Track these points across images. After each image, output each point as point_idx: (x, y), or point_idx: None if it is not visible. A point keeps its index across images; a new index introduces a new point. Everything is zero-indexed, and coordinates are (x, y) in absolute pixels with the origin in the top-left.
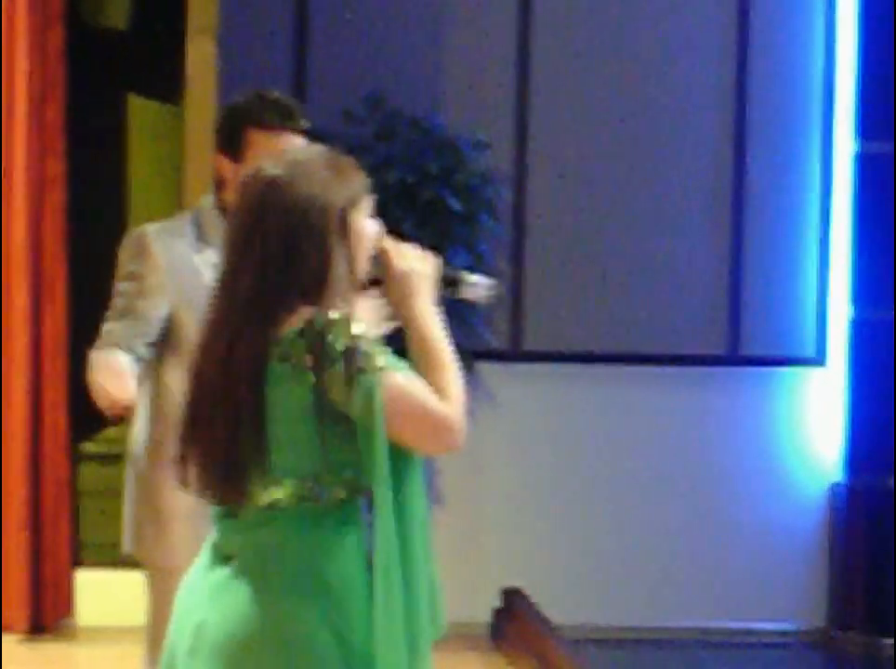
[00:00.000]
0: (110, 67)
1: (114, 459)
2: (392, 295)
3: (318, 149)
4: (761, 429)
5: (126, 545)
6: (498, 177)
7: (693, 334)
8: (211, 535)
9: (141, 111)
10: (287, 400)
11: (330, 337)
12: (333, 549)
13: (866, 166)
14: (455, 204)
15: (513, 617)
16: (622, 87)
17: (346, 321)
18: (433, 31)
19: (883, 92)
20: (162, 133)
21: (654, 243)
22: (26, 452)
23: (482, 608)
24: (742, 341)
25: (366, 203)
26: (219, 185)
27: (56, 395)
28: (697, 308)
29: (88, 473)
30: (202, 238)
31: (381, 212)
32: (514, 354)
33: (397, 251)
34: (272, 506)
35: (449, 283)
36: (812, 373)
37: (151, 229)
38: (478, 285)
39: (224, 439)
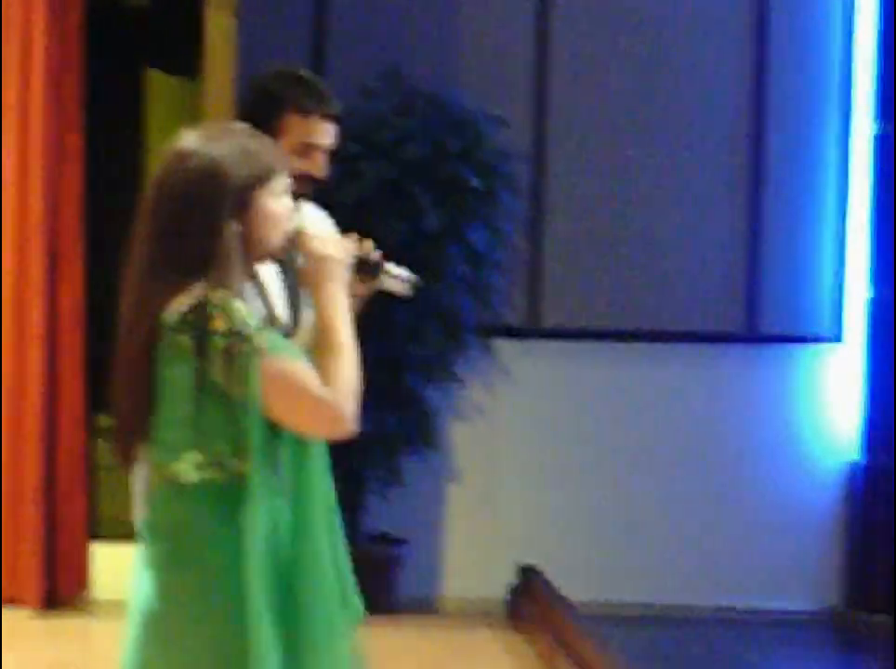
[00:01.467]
0: (129, 42)
1: None
2: (306, 277)
3: (237, 126)
4: (779, 407)
5: (138, 520)
6: (517, 154)
7: (711, 312)
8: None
9: (160, 86)
10: (174, 377)
11: (211, 318)
12: (229, 525)
13: (884, 146)
14: (474, 181)
15: (529, 594)
16: (641, 65)
17: (228, 302)
18: (452, 7)
19: None
20: (180, 107)
21: (673, 221)
22: (42, 426)
23: (499, 585)
24: (760, 318)
25: (278, 184)
26: None
27: (71, 368)
28: (715, 286)
29: (104, 447)
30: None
31: (399, 187)
32: (532, 331)
33: (314, 234)
34: (174, 480)
35: (368, 272)
36: (830, 351)
37: None
38: (398, 277)
39: (120, 406)
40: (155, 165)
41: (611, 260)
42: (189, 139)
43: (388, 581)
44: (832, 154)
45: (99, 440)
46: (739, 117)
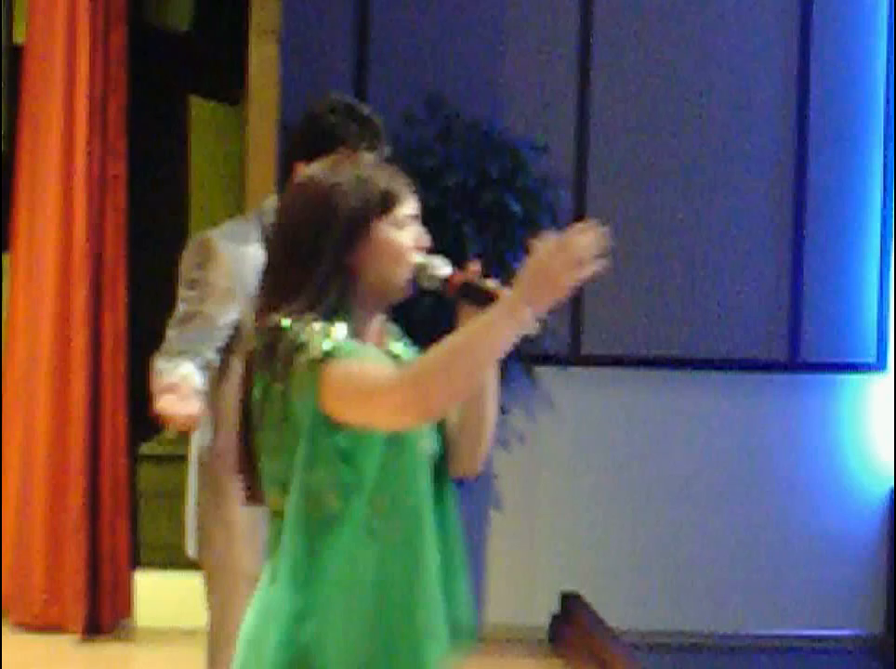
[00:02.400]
0: (171, 68)
1: (173, 460)
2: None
3: (365, 156)
4: (822, 435)
5: (191, 550)
6: (558, 180)
7: (753, 340)
8: None
9: (203, 113)
10: (262, 403)
11: (284, 341)
12: (319, 562)
13: None
14: (516, 208)
15: (572, 622)
16: (683, 90)
17: (309, 324)
18: (494, 33)
19: None
20: (223, 134)
21: (714, 248)
22: (85, 453)
23: (541, 613)
24: (802, 347)
25: (401, 214)
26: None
27: (115, 395)
28: (757, 314)
29: (147, 474)
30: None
31: (441, 214)
32: (572, 358)
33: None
34: (274, 513)
35: (485, 304)
36: (873, 379)
37: (215, 234)
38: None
39: (237, 441)
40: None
41: (652, 287)
42: (312, 168)
43: None
44: (876, 181)
45: (142, 468)
46: (783, 143)
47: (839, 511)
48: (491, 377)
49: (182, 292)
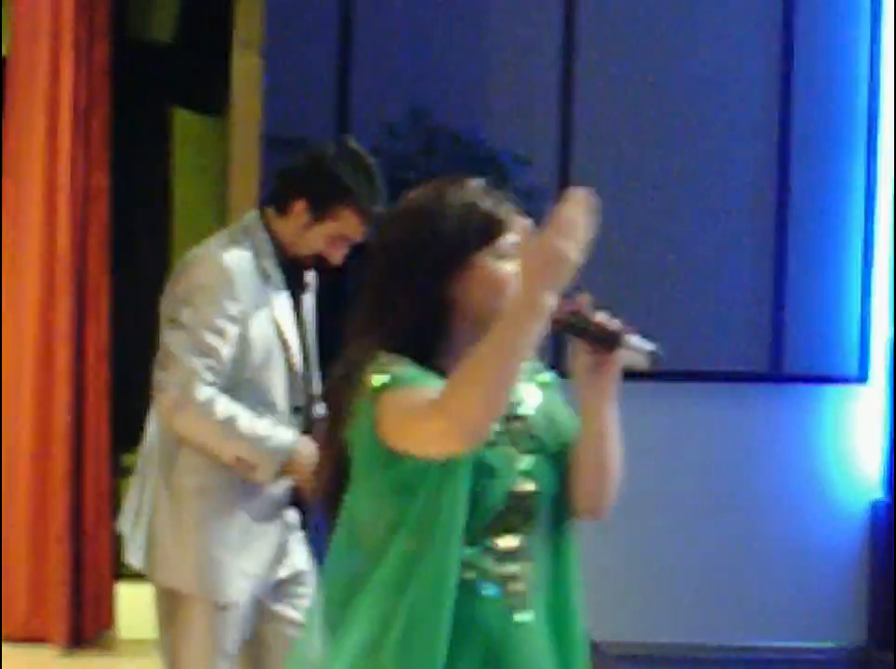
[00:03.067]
0: (155, 80)
1: None
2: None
3: (472, 181)
4: (804, 447)
5: (135, 560)
6: (542, 193)
7: (736, 352)
8: None
9: (186, 125)
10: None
11: (356, 372)
12: (389, 611)
13: None
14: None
15: None
16: (665, 105)
17: (387, 361)
18: (477, 46)
19: None
20: (207, 146)
21: (697, 260)
22: (68, 465)
23: None
24: (784, 358)
25: (505, 244)
26: (282, 216)
27: (98, 408)
28: (740, 326)
29: (128, 486)
30: (266, 281)
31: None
32: (554, 371)
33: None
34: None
35: (606, 344)
36: (855, 391)
37: (234, 269)
38: (639, 350)
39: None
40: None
41: (634, 299)
42: (414, 192)
43: None
44: (858, 193)
45: (125, 480)
46: (764, 155)
47: (821, 523)
48: (610, 417)
49: (214, 319)
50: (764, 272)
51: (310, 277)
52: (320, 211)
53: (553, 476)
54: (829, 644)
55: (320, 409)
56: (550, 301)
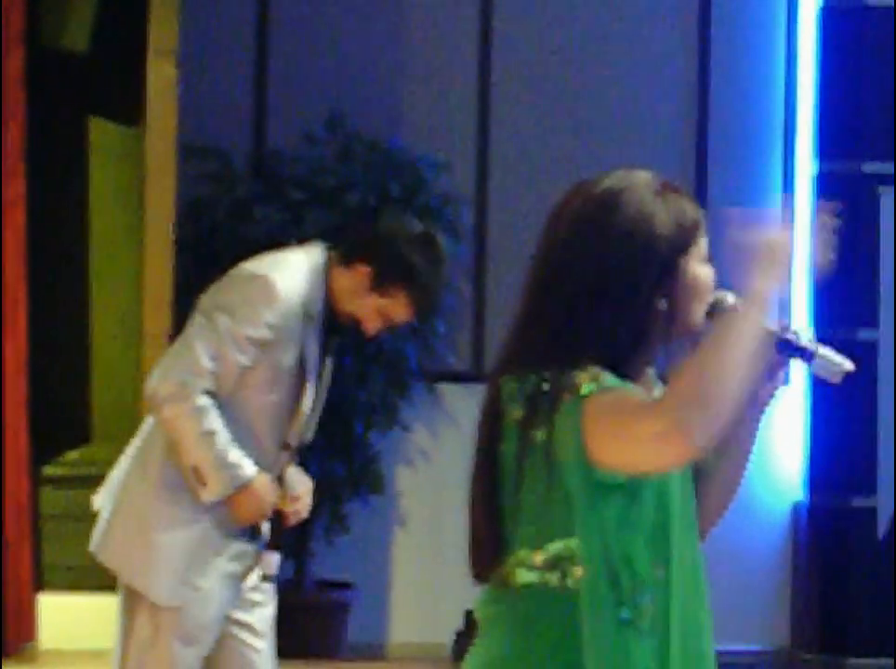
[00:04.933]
0: (70, 89)
1: (75, 482)
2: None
3: (647, 174)
4: None
5: (156, 594)
6: (459, 198)
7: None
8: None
9: (102, 134)
10: (505, 455)
11: (553, 385)
12: (559, 647)
13: (826, 186)
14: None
15: (475, 639)
16: (582, 110)
17: (579, 370)
18: (394, 53)
19: (842, 112)
20: (123, 155)
21: None
22: None
23: (445, 630)
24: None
25: (703, 246)
26: (344, 270)
27: (16, 418)
28: None
29: (49, 496)
30: (308, 319)
31: (342, 234)
32: (476, 376)
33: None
34: (506, 583)
35: (801, 358)
36: (777, 395)
37: (285, 300)
38: (832, 364)
39: (472, 502)
40: (557, 220)
41: None
42: (607, 187)
43: (335, 627)
44: (775, 195)
45: (44, 490)
46: (682, 159)
47: (743, 525)
48: (752, 428)
49: (247, 328)
50: None
51: (337, 342)
52: (379, 285)
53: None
54: (753, 646)
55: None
56: (774, 295)
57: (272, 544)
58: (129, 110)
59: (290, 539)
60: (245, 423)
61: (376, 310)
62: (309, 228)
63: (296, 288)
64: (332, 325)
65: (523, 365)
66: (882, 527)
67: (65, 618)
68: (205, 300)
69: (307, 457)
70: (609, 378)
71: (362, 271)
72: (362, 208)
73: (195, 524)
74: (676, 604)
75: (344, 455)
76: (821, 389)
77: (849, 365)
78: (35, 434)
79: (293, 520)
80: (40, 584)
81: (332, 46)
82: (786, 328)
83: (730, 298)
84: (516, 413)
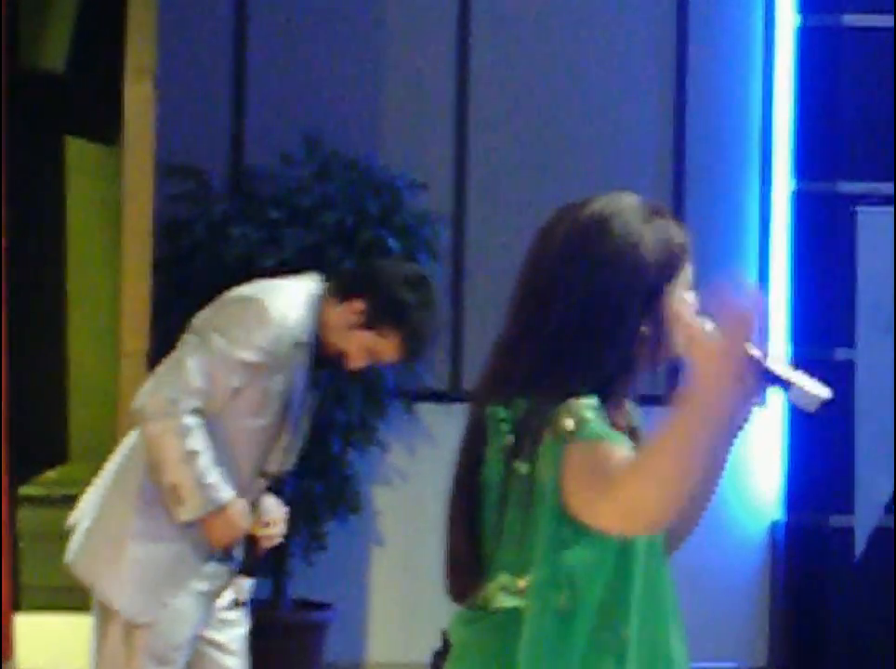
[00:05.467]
0: (48, 108)
1: (53, 502)
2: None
3: (634, 198)
4: None
5: (125, 608)
6: (437, 217)
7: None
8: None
9: (80, 153)
10: (490, 480)
11: (538, 416)
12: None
13: (803, 205)
14: (394, 245)
15: None
16: (560, 129)
17: (580, 405)
18: (371, 72)
19: (819, 131)
20: (100, 175)
21: None
22: None
23: (423, 649)
24: (681, 380)
25: (688, 273)
26: (338, 303)
27: None
28: None
29: (26, 516)
30: (299, 348)
31: (320, 252)
32: (453, 395)
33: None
34: (483, 606)
35: (776, 386)
36: (753, 414)
37: (279, 327)
38: (808, 393)
39: (452, 523)
40: (544, 240)
41: None
42: (595, 213)
43: (312, 646)
44: (752, 213)
45: (21, 509)
46: (659, 177)
47: (720, 544)
48: (725, 452)
49: (239, 350)
50: None
51: (320, 375)
52: (371, 322)
53: None
54: (730, 664)
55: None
56: (734, 405)
57: (246, 571)
58: (107, 129)
59: (264, 563)
60: (228, 445)
61: (365, 347)
62: (286, 247)
63: (290, 315)
64: (318, 357)
65: (509, 391)
66: (859, 546)
67: (43, 638)
68: (199, 321)
69: (283, 481)
70: (590, 415)
71: (356, 307)
72: (340, 227)
73: (170, 542)
74: (635, 628)
75: (322, 475)
76: (798, 409)
77: (825, 394)
78: (13, 453)
79: (266, 545)
80: (17, 604)
81: (309, 66)
82: (764, 355)
83: (706, 327)
84: (503, 439)
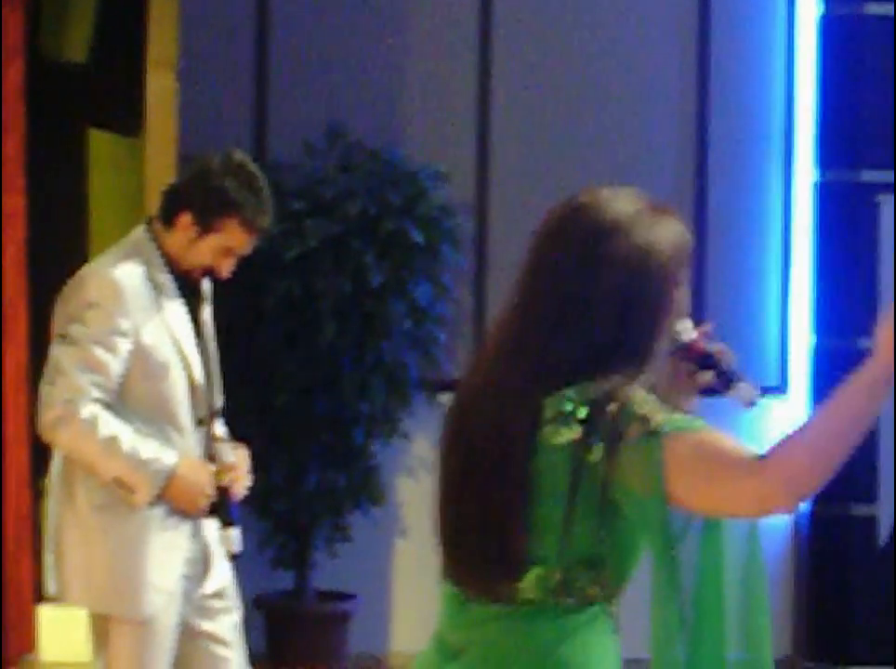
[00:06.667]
0: (70, 100)
1: None
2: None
3: (639, 197)
4: None
5: (83, 600)
6: (460, 208)
7: None
8: (438, 623)
9: (102, 145)
10: (547, 475)
11: (611, 407)
12: (574, 658)
13: (826, 195)
14: (417, 236)
15: None
16: (582, 119)
17: (631, 391)
18: (394, 63)
19: (842, 121)
20: (122, 166)
21: None
22: None
23: None
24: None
25: (686, 271)
26: (169, 230)
27: (17, 430)
28: None
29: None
30: (158, 291)
31: (342, 243)
32: None
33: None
34: (511, 599)
35: (719, 380)
36: (774, 403)
37: (125, 284)
38: (744, 394)
39: (494, 514)
40: (553, 236)
41: None
42: (612, 209)
43: (336, 637)
44: (775, 204)
45: (44, 501)
46: (682, 168)
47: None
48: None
49: (102, 334)
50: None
51: (206, 287)
52: (205, 224)
53: None
54: None
55: (220, 425)
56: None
57: (225, 522)
58: (129, 120)
59: (239, 512)
60: (155, 415)
61: (217, 250)
62: (309, 238)
63: (124, 268)
64: (190, 284)
65: (557, 383)
66: (883, 535)
67: (65, 630)
68: (55, 325)
69: (232, 423)
70: (660, 406)
71: (185, 221)
72: (363, 218)
73: (144, 534)
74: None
75: (345, 466)
76: (821, 398)
77: (756, 395)
78: (36, 446)
79: (237, 491)
80: (40, 596)
81: (332, 56)
82: (709, 346)
83: (685, 335)
84: (566, 432)
